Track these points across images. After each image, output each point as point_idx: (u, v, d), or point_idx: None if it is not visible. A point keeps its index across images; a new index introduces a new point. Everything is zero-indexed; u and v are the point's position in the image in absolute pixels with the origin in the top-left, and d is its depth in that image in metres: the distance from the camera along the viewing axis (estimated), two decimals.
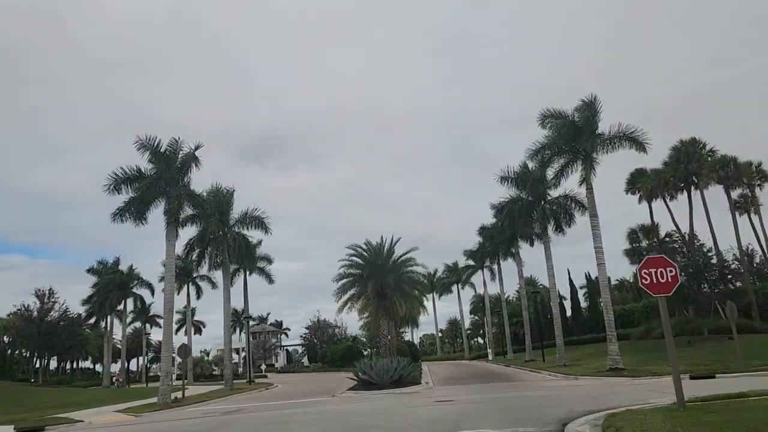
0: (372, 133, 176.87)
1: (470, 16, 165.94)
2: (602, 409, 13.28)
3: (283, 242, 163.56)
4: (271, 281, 50.67)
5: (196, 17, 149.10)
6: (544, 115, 30.47)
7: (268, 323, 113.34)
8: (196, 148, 31.26)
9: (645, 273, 11.94)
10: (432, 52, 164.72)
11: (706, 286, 35.47)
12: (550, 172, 35.85)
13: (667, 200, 42.55)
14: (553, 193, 37.97)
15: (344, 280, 35.29)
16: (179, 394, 30.39)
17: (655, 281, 11.85)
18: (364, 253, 35.71)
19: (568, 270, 76.69)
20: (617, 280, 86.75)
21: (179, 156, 31.09)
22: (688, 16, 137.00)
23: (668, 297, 37.06)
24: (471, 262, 69.68)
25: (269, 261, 50.62)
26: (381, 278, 33.79)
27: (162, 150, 30.61)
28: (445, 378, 34.93)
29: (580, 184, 31.54)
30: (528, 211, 39.31)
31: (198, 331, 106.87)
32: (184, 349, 32.91)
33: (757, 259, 41.89)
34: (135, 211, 30.68)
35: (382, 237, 36.03)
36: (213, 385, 45.17)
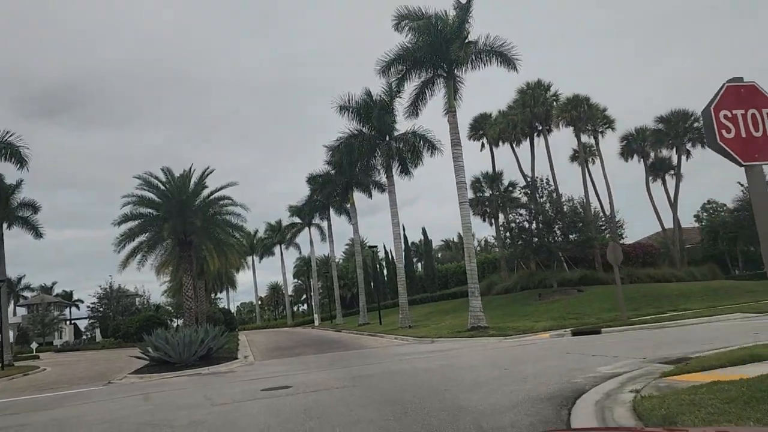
0: (186, 94, 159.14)
1: None
2: (579, 387, 7.43)
3: (81, 209, 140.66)
4: (38, 235, 38.80)
5: None
6: (401, 16, 24.23)
7: (54, 294, 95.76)
8: None
9: (726, 117, 5.47)
10: (255, 13, 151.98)
11: (557, 235, 32.66)
12: (399, 103, 30.11)
13: (514, 146, 39.54)
14: (404, 126, 32.41)
15: (130, 224, 25.77)
16: None
17: (746, 135, 5.44)
18: (161, 186, 26.50)
19: (403, 226, 73.18)
20: (443, 240, 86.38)
21: None
22: None
23: (521, 248, 32.43)
24: (297, 220, 62.87)
25: (34, 209, 38.60)
26: (184, 220, 25.07)
27: None
28: (270, 349, 27.93)
29: (445, 113, 26.03)
30: (371, 150, 33.30)
31: None
32: None
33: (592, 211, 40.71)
34: None
35: (190, 167, 27.01)
36: None
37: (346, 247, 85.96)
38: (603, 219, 36.04)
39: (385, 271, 62.67)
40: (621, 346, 12.99)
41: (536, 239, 32.30)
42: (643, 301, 26.56)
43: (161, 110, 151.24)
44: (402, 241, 33.27)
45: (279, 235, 71.58)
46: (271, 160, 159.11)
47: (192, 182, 27.08)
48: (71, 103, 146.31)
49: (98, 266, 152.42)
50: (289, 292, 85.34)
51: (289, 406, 9.02)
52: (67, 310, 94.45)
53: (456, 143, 24.62)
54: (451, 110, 24.44)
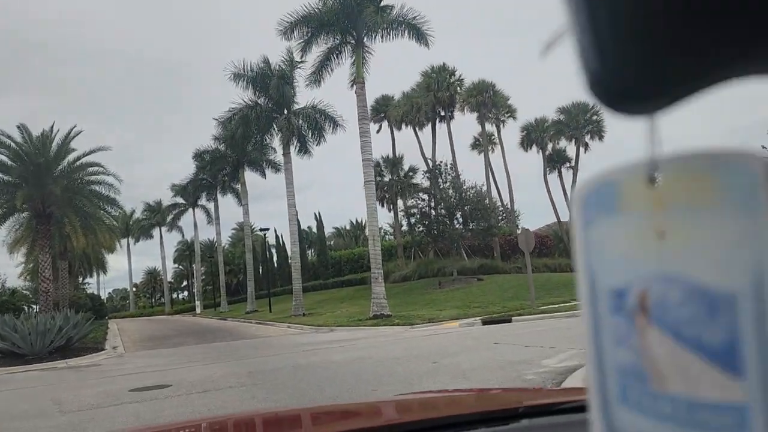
0: (54, 64, 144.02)
1: None
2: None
3: None
4: None
5: None
6: None
7: None
8: None
9: None
10: None
11: (458, 223, 31.92)
12: (300, 75, 27.92)
13: (417, 130, 38.51)
14: (303, 100, 30.15)
15: None
16: None
17: None
18: (14, 146, 22.02)
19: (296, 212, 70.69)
20: (334, 227, 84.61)
21: None
22: None
23: (422, 235, 31.53)
24: (180, 200, 58.21)
25: None
26: (43, 187, 20.93)
27: None
28: (144, 338, 24.75)
29: (351, 85, 24.11)
30: (267, 124, 30.72)
31: None
32: None
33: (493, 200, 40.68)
34: None
35: (52, 126, 22.63)
36: None
37: (233, 231, 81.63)
38: (501, 208, 35.99)
39: (275, 258, 59.82)
40: (547, 335, 11.92)
41: (437, 226, 31.36)
42: (543, 290, 26.36)
43: (21, 79, 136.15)
44: (296, 223, 31.07)
45: (159, 216, 66.16)
46: (153, 141, 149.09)
47: (54, 144, 22.98)
48: None
49: None
50: (169, 279, 79.70)
51: (167, 414, 6.84)
52: None
53: (363, 117, 22.85)
54: (359, 81, 22.58)
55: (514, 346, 10.43)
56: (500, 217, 34.68)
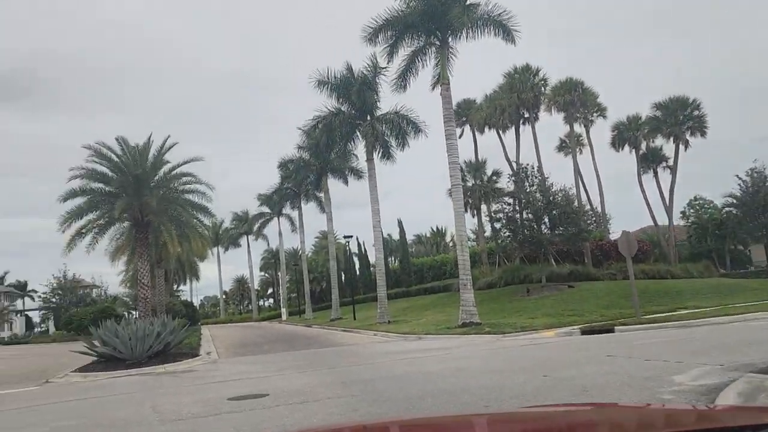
0: (142, 84, 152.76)
1: None
2: None
3: (37, 199, 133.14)
4: None
5: None
6: None
7: (5, 284, 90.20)
8: None
9: None
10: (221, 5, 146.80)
11: (545, 227, 30.60)
12: (383, 80, 27.77)
13: (500, 133, 37.40)
14: (386, 105, 29.94)
15: (78, 200, 22.36)
16: None
17: None
18: (114, 157, 23.10)
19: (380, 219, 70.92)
20: (414, 235, 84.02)
21: None
22: None
23: (509, 240, 30.39)
24: (265, 209, 59.76)
25: None
26: (140, 197, 21.78)
27: None
28: (236, 345, 25.20)
29: (432, 88, 23.67)
30: (350, 130, 30.72)
31: None
32: None
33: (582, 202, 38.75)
34: None
35: (149, 137, 23.52)
36: None
37: (316, 239, 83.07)
38: (590, 212, 34.20)
39: (357, 265, 60.06)
40: (665, 348, 10.82)
41: (524, 231, 30.16)
42: (642, 297, 24.66)
43: (116, 99, 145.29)
44: (381, 230, 30.84)
45: (246, 226, 68.25)
46: (238, 152, 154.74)
47: (150, 155, 23.93)
48: (26, 91, 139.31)
49: (57, 257, 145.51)
50: (255, 286, 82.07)
51: (266, 426, 6.51)
52: (20, 301, 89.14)
53: (449, 119, 22.24)
54: (444, 82, 22.02)
55: (631, 360, 9.46)
56: (590, 221, 32.93)
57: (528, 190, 30.80)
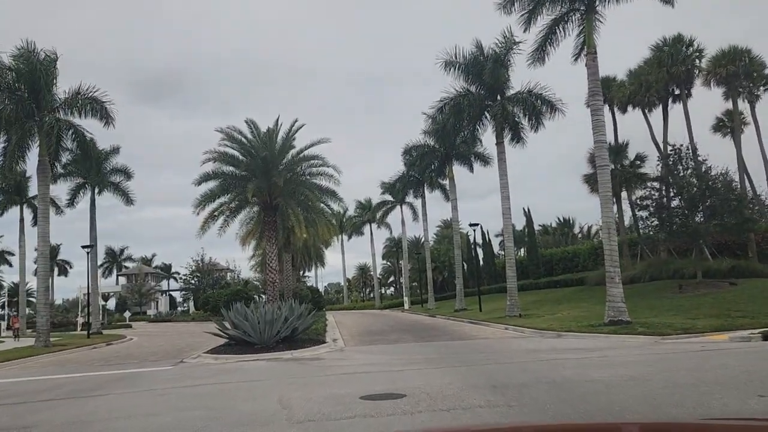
0: (275, 81, 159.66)
1: None
2: None
3: (185, 189, 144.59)
4: (128, 201, 37.76)
5: None
6: None
7: (153, 266, 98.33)
8: None
9: None
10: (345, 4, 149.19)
11: (699, 216, 26.91)
12: (517, 54, 25.79)
13: (646, 112, 33.79)
14: (516, 81, 27.90)
15: (211, 183, 22.87)
16: None
17: None
18: (244, 140, 23.28)
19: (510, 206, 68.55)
20: (540, 225, 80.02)
21: None
22: None
23: (658, 229, 26.86)
24: (389, 197, 59.52)
25: (127, 175, 37.44)
26: (269, 179, 21.71)
27: None
28: (362, 332, 24.65)
29: (575, 59, 21.43)
30: (479, 112, 29.01)
31: (64, 271, 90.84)
32: None
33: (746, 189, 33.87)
34: None
35: (277, 119, 23.32)
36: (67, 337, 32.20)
37: (437, 228, 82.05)
38: (754, 200, 29.80)
39: (481, 255, 58.06)
40: None
41: (677, 219, 26.75)
42: None
43: (258, 98, 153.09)
44: (510, 216, 28.88)
45: (369, 214, 68.65)
46: (360, 147, 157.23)
47: (279, 137, 23.89)
48: (176, 90, 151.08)
49: (198, 242, 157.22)
50: (378, 274, 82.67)
51: None
52: (165, 282, 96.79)
53: (595, 93, 19.91)
54: (590, 51, 19.68)
55: None
56: (756, 211, 28.69)
57: (681, 174, 27.32)
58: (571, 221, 79.53)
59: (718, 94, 32.32)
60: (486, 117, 29.32)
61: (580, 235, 76.74)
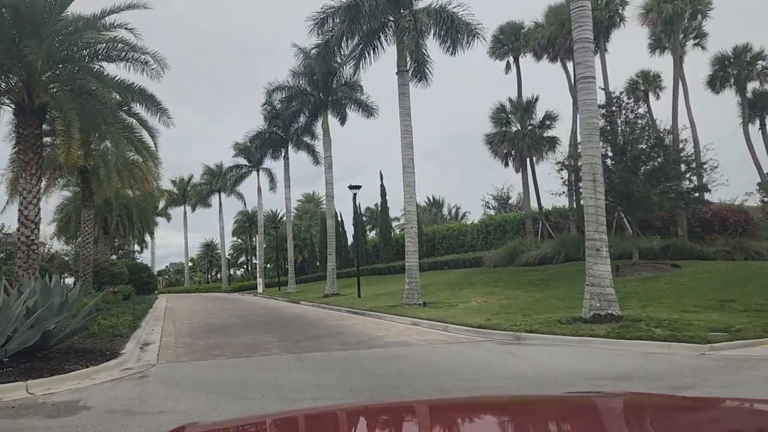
0: None
1: None
2: None
3: None
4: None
5: None
6: None
7: None
8: None
9: None
10: None
11: (640, 182, 21.52)
12: None
13: (565, 61, 28.34)
14: None
15: None
16: None
17: None
18: None
19: (413, 164, 61.97)
20: (428, 197, 74.69)
21: None
22: None
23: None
24: (243, 161, 50.09)
25: None
26: (21, 54, 11.52)
27: None
28: (197, 329, 15.88)
29: None
30: (378, 26, 21.36)
31: None
32: None
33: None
34: None
35: None
36: None
37: (298, 203, 73.40)
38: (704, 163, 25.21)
39: (350, 232, 50.75)
40: None
41: (619, 183, 21.08)
42: None
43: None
44: (414, 172, 21.63)
45: (219, 181, 58.38)
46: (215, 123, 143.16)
47: None
48: None
49: None
50: (227, 253, 72.26)
51: None
52: None
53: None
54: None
55: None
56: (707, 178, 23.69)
57: (622, 129, 21.82)
58: (441, 201, 75.32)
59: (639, 49, 27.68)
60: (386, 35, 21.74)
61: (448, 217, 72.57)
